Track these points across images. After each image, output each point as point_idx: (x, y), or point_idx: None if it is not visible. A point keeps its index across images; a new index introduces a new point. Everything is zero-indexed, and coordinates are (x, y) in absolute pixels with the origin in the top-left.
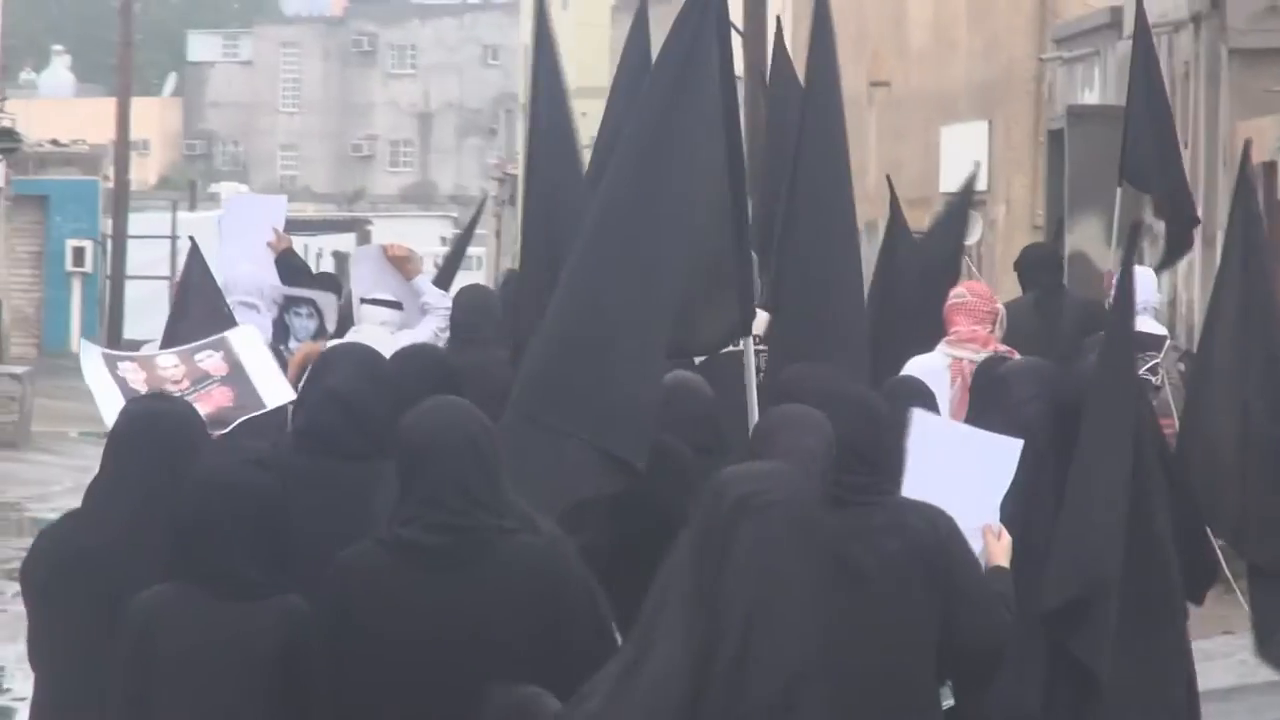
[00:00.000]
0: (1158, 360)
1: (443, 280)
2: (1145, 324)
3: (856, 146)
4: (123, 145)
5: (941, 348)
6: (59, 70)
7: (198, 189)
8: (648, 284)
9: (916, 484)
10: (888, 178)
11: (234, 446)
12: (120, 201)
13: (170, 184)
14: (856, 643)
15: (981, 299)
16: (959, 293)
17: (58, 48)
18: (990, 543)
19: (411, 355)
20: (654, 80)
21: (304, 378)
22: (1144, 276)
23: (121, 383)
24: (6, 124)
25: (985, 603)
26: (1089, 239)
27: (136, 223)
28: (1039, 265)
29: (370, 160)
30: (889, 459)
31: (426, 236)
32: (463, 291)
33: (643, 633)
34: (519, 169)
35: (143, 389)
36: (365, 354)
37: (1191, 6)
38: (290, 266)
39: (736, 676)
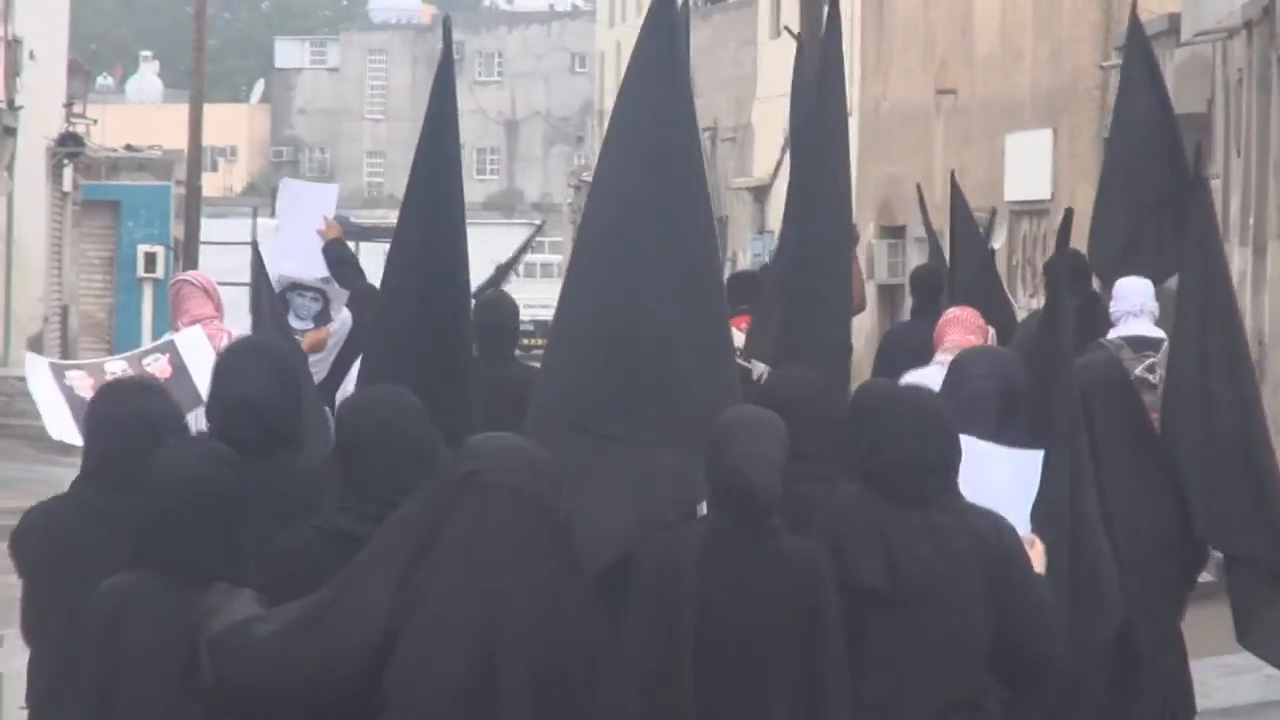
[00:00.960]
0: (1155, 359)
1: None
2: (1143, 327)
3: (923, 154)
4: (195, 150)
5: (937, 357)
6: (147, 76)
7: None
8: (691, 284)
9: None
10: (952, 175)
11: (195, 441)
12: (192, 207)
13: (257, 190)
14: (908, 633)
15: (972, 314)
16: (950, 311)
17: (146, 54)
18: (1025, 552)
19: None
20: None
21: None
22: (1139, 282)
23: (68, 391)
24: (74, 130)
25: (1041, 609)
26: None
27: (218, 229)
28: (1073, 274)
29: None
30: (955, 467)
31: (507, 244)
32: (482, 304)
33: (350, 575)
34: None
35: (89, 395)
36: (273, 355)
37: (1245, 13)
38: (338, 258)
39: (422, 656)
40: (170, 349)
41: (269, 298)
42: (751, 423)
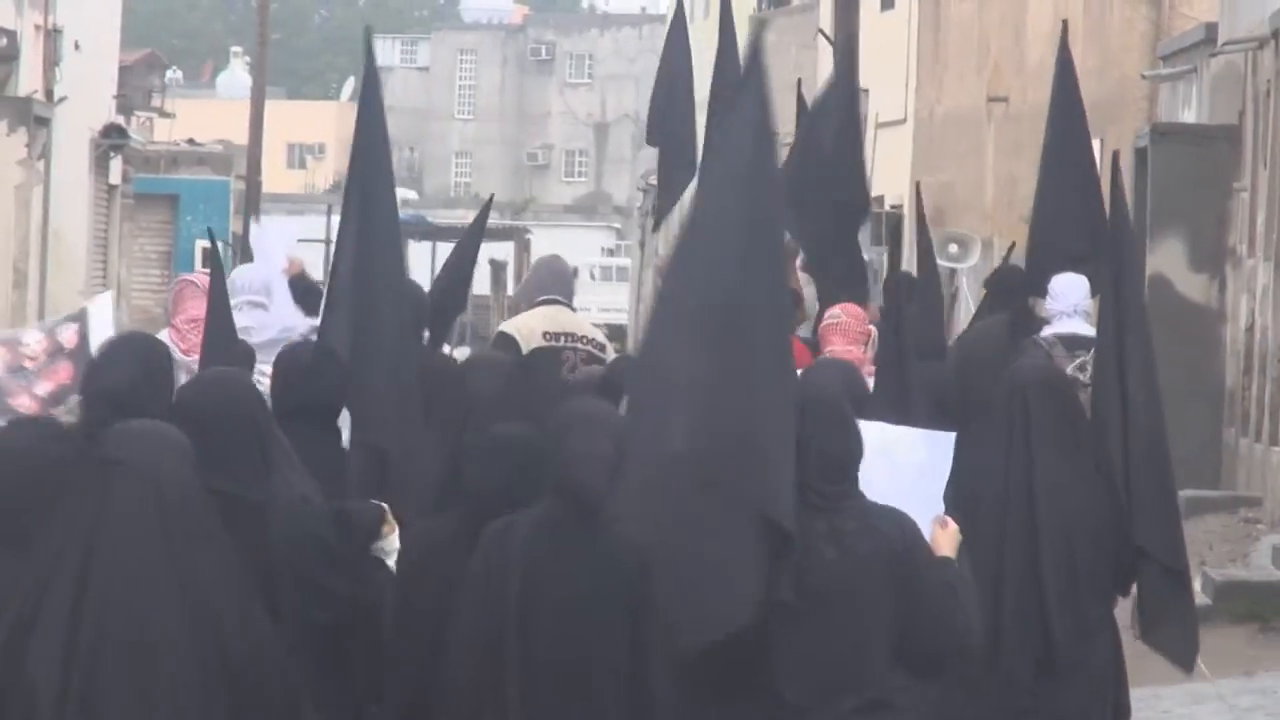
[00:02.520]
0: (1087, 359)
1: (457, 289)
2: (1076, 325)
3: (974, 162)
4: (255, 145)
5: None
6: (237, 71)
7: (254, 237)
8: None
9: (864, 485)
10: (917, 186)
11: (32, 420)
12: (251, 203)
13: (342, 188)
14: (818, 639)
15: (855, 319)
16: (834, 314)
17: (237, 49)
18: (937, 533)
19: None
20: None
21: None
22: (1075, 280)
23: None
24: (118, 122)
25: (943, 604)
26: (1171, 261)
27: (290, 225)
28: (1013, 285)
29: (545, 169)
30: (858, 462)
31: (587, 247)
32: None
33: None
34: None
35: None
36: (141, 348)
37: (1273, 22)
38: (304, 289)
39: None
40: (82, 318)
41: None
42: (587, 418)
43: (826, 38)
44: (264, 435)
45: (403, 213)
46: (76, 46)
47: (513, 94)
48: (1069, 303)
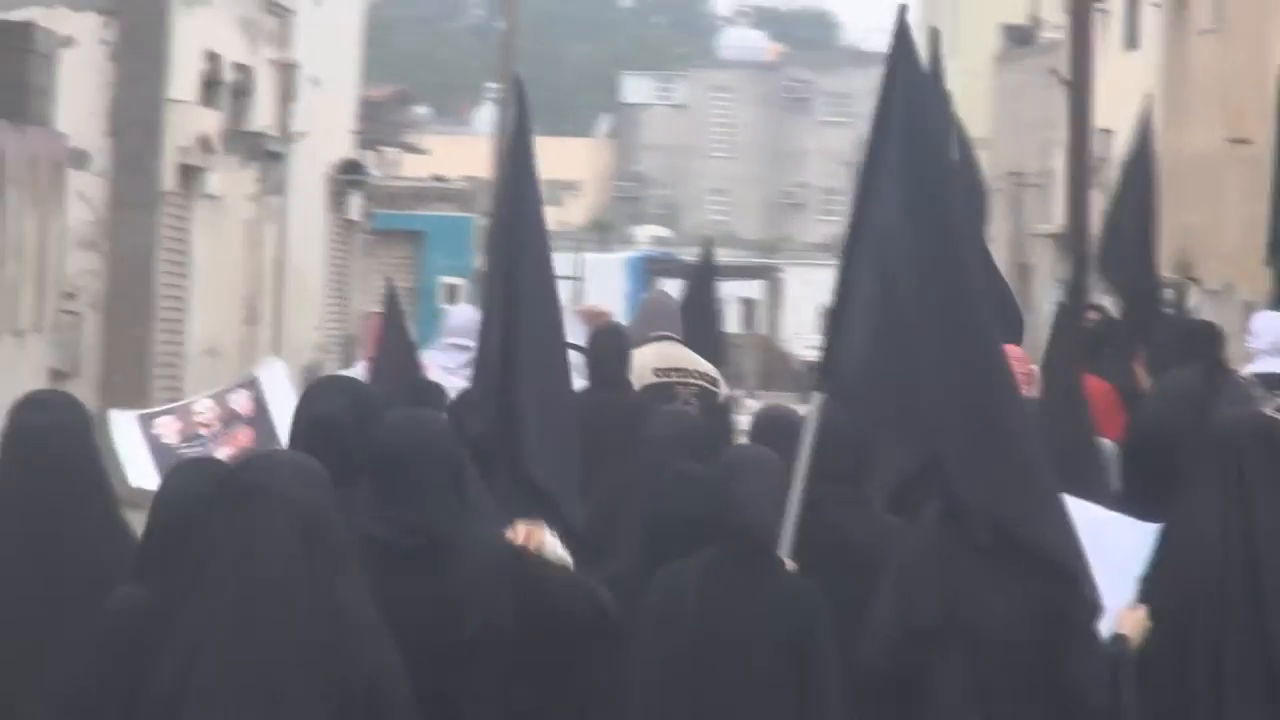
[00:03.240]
0: None
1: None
2: (1276, 364)
3: (1213, 205)
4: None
5: None
6: (491, 108)
7: (616, 231)
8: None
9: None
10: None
11: (202, 461)
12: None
13: (600, 225)
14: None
15: (1019, 361)
16: None
17: (491, 85)
18: (1125, 614)
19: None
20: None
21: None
22: (1275, 318)
23: (153, 440)
24: (355, 158)
25: (1093, 657)
26: None
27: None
28: (1199, 337)
29: (800, 208)
30: None
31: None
32: (600, 338)
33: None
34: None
35: (175, 440)
36: (350, 383)
37: None
38: None
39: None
40: (254, 385)
41: (399, 331)
42: (755, 462)
43: (1059, 77)
44: (458, 473)
45: (655, 250)
46: (315, 82)
47: (767, 132)
48: (1268, 341)
